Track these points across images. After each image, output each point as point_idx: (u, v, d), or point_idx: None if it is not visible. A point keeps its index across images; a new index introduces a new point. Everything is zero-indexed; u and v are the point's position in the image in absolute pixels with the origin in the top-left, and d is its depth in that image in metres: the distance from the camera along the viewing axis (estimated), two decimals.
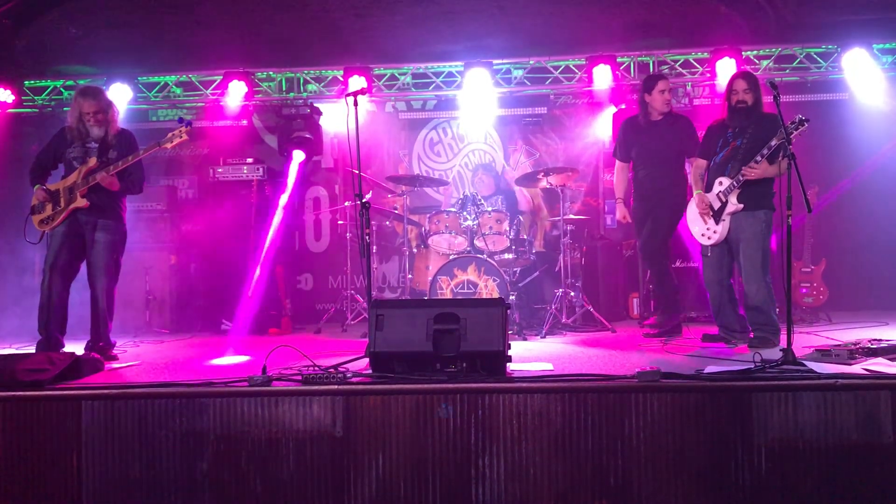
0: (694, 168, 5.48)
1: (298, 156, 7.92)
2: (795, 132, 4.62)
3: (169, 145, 5.22)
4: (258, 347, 5.75)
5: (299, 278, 8.56)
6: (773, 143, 4.77)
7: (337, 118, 8.28)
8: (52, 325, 5.13)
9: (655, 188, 5.90)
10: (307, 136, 7.91)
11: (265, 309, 7.36)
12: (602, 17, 7.45)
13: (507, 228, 6.62)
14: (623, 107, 7.79)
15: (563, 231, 6.79)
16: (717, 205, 5.19)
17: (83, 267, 5.32)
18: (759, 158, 4.91)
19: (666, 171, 5.90)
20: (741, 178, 5.00)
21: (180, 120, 5.23)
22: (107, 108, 5.35)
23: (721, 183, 5.15)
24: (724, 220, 5.15)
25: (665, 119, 5.94)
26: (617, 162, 6.22)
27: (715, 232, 5.21)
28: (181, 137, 5.18)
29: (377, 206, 7.23)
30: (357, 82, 7.55)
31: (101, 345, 5.21)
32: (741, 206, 5.05)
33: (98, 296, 5.24)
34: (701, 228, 5.31)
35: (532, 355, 4.92)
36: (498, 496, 3.52)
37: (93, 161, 5.18)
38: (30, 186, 5.32)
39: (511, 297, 6.33)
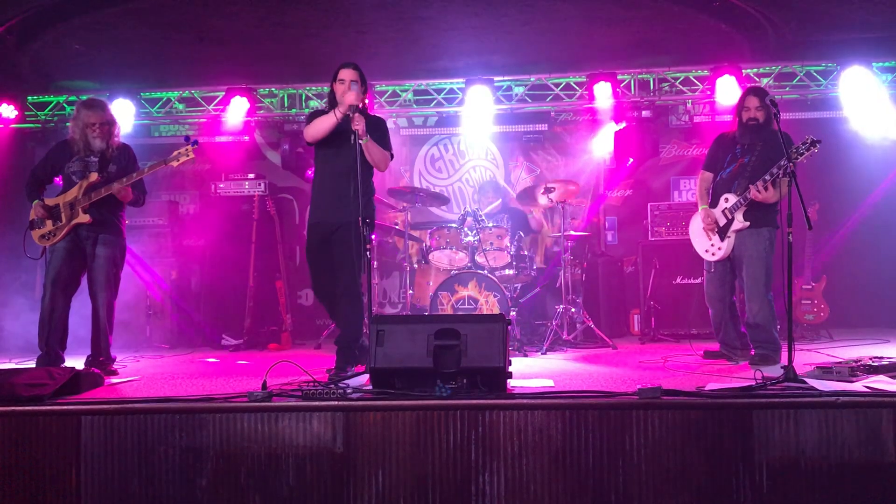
0: (700, 181, 5.47)
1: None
2: (806, 153, 4.60)
3: (175, 164, 5.16)
4: (258, 363, 5.75)
5: (299, 294, 8.56)
6: (783, 162, 4.63)
7: None
8: (52, 340, 5.13)
9: (338, 193, 4.77)
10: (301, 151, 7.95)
11: (265, 324, 7.37)
12: (602, 34, 7.48)
13: (508, 244, 6.63)
14: (624, 124, 7.83)
15: (564, 247, 6.79)
16: (722, 221, 5.18)
17: (82, 282, 5.33)
18: (766, 179, 4.87)
19: (345, 173, 4.72)
20: (748, 197, 4.99)
21: (186, 138, 5.18)
22: (111, 121, 5.39)
23: (727, 200, 5.15)
24: (729, 237, 5.14)
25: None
26: None
27: (719, 248, 5.20)
28: (187, 156, 5.14)
29: (378, 222, 7.23)
30: None
31: (101, 359, 5.20)
32: (747, 223, 5.04)
33: (99, 310, 5.25)
34: (705, 244, 5.31)
35: (533, 372, 4.91)
36: None
37: (94, 176, 5.19)
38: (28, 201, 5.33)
39: (512, 313, 6.33)
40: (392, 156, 4.99)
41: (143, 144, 8.54)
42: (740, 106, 5.21)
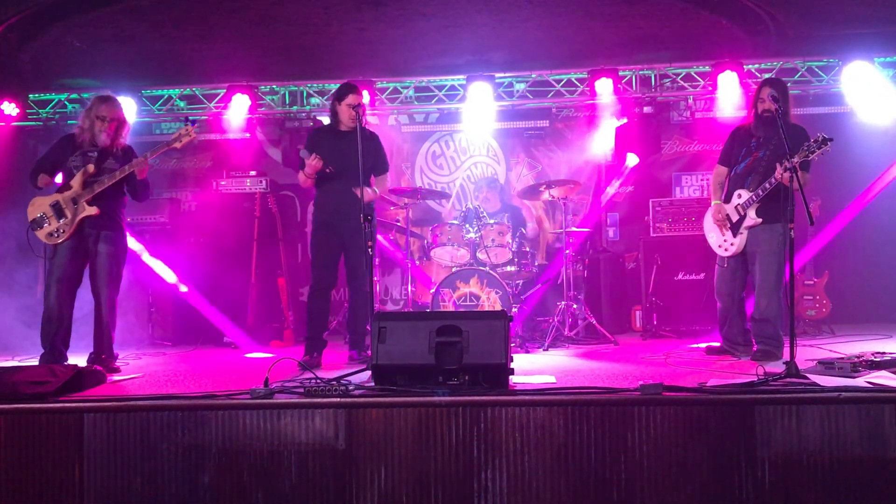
0: (714, 176, 5.44)
1: None
2: (818, 151, 4.57)
3: (178, 144, 5.26)
4: (260, 360, 5.75)
5: (301, 291, 8.55)
6: (796, 159, 4.53)
7: None
8: (57, 339, 5.13)
9: (342, 201, 5.29)
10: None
11: (267, 321, 7.37)
12: (604, 30, 7.48)
13: (510, 241, 6.63)
14: (625, 120, 7.82)
15: (566, 243, 6.79)
16: (735, 217, 5.17)
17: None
18: (775, 180, 4.86)
19: (351, 186, 5.19)
20: (760, 193, 4.97)
21: (186, 119, 5.43)
22: (121, 120, 5.41)
23: (740, 195, 5.13)
24: (741, 234, 5.13)
25: (354, 132, 5.11)
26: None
27: (732, 244, 5.19)
28: (189, 136, 5.25)
29: (380, 219, 7.24)
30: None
31: (103, 357, 5.21)
32: (759, 220, 5.02)
33: (102, 307, 5.25)
34: (718, 240, 5.30)
35: (535, 368, 4.91)
36: None
37: (91, 168, 5.18)
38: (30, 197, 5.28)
39: (513, 310, 6.33)
40: (388, 167, 5.70)
41: (144, 142, 8.51)
42: (756, 97, 5.17)
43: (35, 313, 5.30)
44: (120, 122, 5.39)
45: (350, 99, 5.37)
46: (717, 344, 5.45)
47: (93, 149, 5.28)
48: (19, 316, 6.86)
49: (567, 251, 6.76)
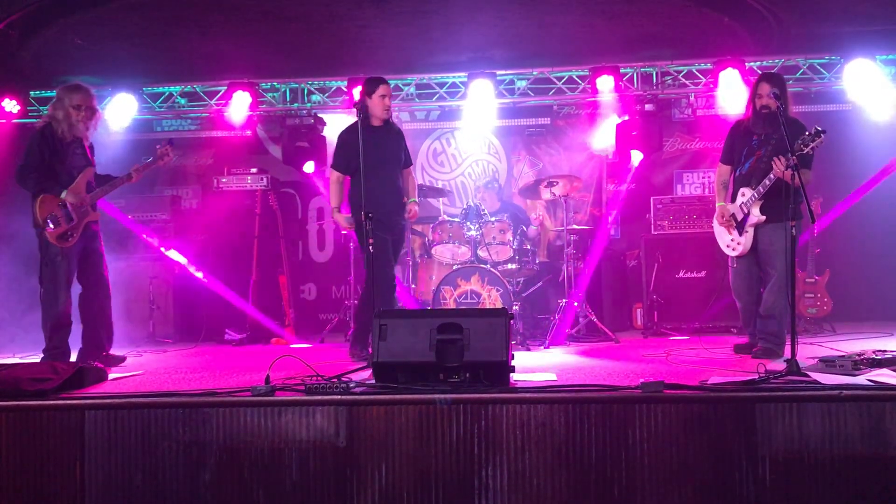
0: (717, 175, 5.43)
1: (309, 167, 7.98)
2: (812, 144, 4.56)
3: (161, 163, 5.48)
4: (261, 357, 5.75)
5: (302, 288, 8.57)
6: (794, 158, 4.47)
7: (340, 128, 8.27)
8: (67, 340, 5.14)
9: (383, 193, 5.38)
10: (306, 145, 7.95)
11: (268, 319, 7.38)
12: (605, 27, 7.46)
13: (511, 238, 6.62)
14: (626, 117, 7.81)
15: (567, 241, 6.79)
16: (739, 216, 5.16)
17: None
18: (770, 182, 4.87)
19: (391, 179, 5.48)
20: (762, 190, 4.96)
21: (169, 141, 5.59)
22: (94, 108, 5.30)
23: (744, 194, 5.12)
24: (747, 232, 5.11)
25: (385, 126, 5.55)
26: (334, 173, 5.61)
27: (739, 244, 5.18)
28: (168, 156, 5.48)
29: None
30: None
31: (104, 354, 5.21)
32: (763, 217, 5.01)
33: (105, 305, 5.27)
34: (726, 240, 5.29)
35: (535, 366, 4.91)
36: None
37: (91, 171, 5.19)
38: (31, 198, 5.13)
39: (514, 308, 6.32)
40: (412, 161, 5.92)
41: (145, 140, 8.54)
42: (753, 93, 5.14)
43: (34, 310, 5.28)
44: (93, 111, 5.28)
45: (382, 90, 5.43)
46: (744, 341, 5.41)
47: (74, 142, 5.19)
48: (20, 313, 6.85)
49: (568, 249, 6.76)
